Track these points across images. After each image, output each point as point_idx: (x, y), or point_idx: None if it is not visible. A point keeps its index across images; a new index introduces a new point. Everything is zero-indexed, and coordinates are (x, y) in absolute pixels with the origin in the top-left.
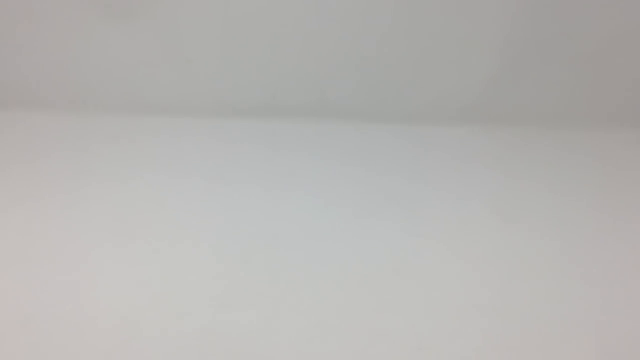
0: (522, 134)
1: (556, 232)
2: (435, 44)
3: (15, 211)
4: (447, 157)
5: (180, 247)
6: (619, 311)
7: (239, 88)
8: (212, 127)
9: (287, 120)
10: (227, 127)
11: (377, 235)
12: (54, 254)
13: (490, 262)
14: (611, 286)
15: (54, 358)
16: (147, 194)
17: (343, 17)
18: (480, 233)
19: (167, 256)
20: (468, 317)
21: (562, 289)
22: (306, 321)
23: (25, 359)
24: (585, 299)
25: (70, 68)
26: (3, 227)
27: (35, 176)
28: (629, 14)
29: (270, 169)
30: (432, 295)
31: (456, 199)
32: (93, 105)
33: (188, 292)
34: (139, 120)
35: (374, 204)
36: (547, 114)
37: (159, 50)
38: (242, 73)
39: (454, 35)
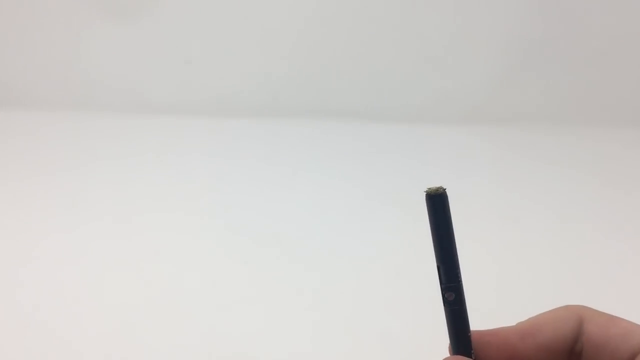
0: (524, 134)
1: (557, 232)
2: (435, 45)
3: (15, 210)
4: (448, 156)
5: (180, 247)
6: (619, 311)
7: (239, 87)
8: (213, 126)
9: (287, 120)
10: (228, 126)
11: (377, 235)
12: (54, 253)
13: (491, 262)
14: (611, 286)
15: (53, 358)
16: (147, 193)
17: (344, 17)
18: (481, 233)
19: (168, 256)
20: (482, 319)
21: (562, 289)
22: (306, 321)
23: (24, 358)
24: (585, 298)
25: (70, 67)
26: (2, 227)
27: (35, 175)
28: (630, 15)
29: (270, 168)
30: (433, 296)
31: (457, 198)
32: (93, 105)
33: (189, 292)
34: (139, 120)
35: (373, 204)
36: (548, 114)
37: (159, 50)
38: (243, 73)
39: (455, 35)
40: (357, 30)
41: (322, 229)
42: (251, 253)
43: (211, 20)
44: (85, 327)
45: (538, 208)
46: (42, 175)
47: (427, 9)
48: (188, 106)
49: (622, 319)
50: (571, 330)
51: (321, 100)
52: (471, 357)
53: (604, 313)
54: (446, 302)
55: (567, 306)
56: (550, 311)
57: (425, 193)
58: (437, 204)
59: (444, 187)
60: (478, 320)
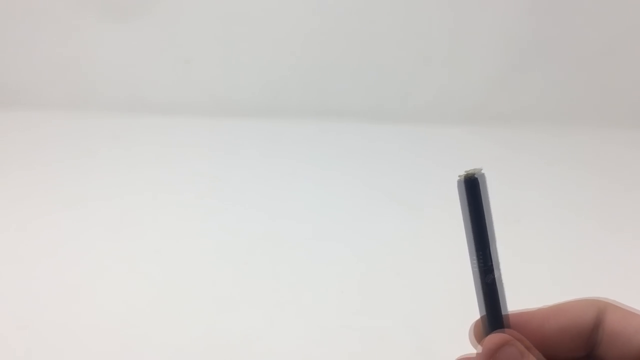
0: (523, 134)
1: (557, 232)
2: (435, 44)
3: (14, 210)
4: (448, 156)
5: (180, 247)
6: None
7: (239, 87)
8: (213, 126)
9: (287, 120)
10: (228, 126)
11: (377, 234)
12: (53, 253)
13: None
14: (611, 287)
15: (52, 358)
16: (147, 193)
17: (343, 17)
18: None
19: (167, 255)
20: (468, 319)
21: (562, 290)
22: (307, 321)
23: (23, 358)
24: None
25: (69, 67)
26: (2, 226)
27: (34, 174)
28: (630, 14)
29: (270, 168)
30: (433, 295)
31: (457, 198)
32: (93, 105)
33: (188, 292)
34: (139, 120)
35: (373, 203)
36: (548, 114)
37: (159, 49)
38: (243, 72)
39: (454, 35)
40: (356, 30)
41: (322, 228)
42: (251, 252)
43: (210, 20)
44: (84, 327)
45: (538, 207)
46: (40, 174)
47: (427, 9)
48: (188, 105)
49: None
50: (592, 318)
51: (320, 101)
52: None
53: (625, 307)
54: (485, 283)
55: (589, 297)
56: (573, 299)
57: (462, 177)
58: (474, 188)
59: (481, 169)
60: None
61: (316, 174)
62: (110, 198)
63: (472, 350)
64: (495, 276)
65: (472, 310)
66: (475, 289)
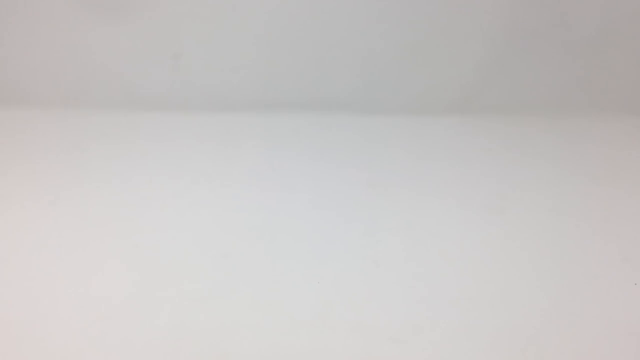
0: (517, 123)
1: (551, 222)
2: (427, 34)
3: (11, 209)
4: (440, 147)
5: (179, 245)
6: (618, 306)
7: (234, 82)
8: (208, 121)
9: (282, 114)
10: (223, 121)
11: (367, 227)
12: (53, 252)
13: (483, 255)
14: (595, 278)
15: (36, 354)
16: (140, 189)
17: (336, 10)
18: (475, 224)
19: (165, 254)
20: (465, 311)
21: (560, 283)
22: (305, 318)
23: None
24: (583, 292)
25: (63, 65)
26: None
27: (28, 172)
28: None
29: (266, 162)
30: (429, 289)
31: (451, 189)
32: (88, 102)
33: (187, 292)
34: (134, 116)
35: (363, 196)
36: (542, 103)
37: (153, 45)
38: (234, 67)
39: (446, 23)
40: (345, 21)
41: (315, 222)
42: (245, 246)
43: (202, 13)
44: (83, 326)
45: (532, 198)
46: (34, 172)
47: None
48: (183, 101)
49: None
50: None
51: (310, 93)
52: None
53: None
54: None
55: None
56: None
57: None
58: None
59: None
60: (476, 316)
61: (310, 167)
62: (103, 194)
63: (469, 346)
64: None
65: (470, 305)
66: None
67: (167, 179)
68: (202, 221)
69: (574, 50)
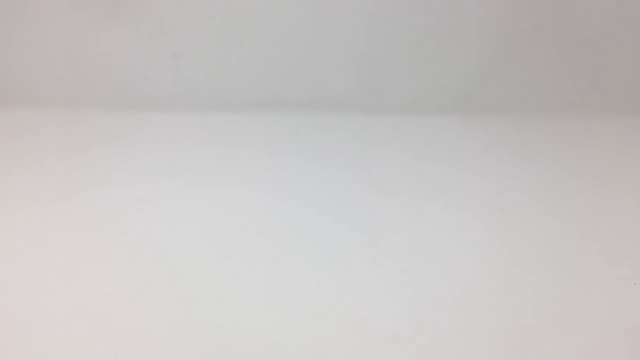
0: (516, 123)
1: (551, 222)
2: (427, 34)
3: (11, 209)
4: (439, 147)
5: (179, 245)
6: (618, 306)
7: (234, 82)
8: (208, 121)
9: (282, 114)
10: (223, 121)
11: (367, 226)
12: (52, 252)
13: (483, 254)
14: (595, 277)
15: (36, 354)
16: (139, 188)
17: (335, 10)
18: (475, 224)
19: (166, 253)
20: (463, 310)
21: (560, 282)
22: (304, 318)
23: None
24: (583, 292)
25: (63, 65)
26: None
27: (28, 172)
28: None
29: (266, 161)
30: (428, 288)
31: (450, 189)
32: (88, 102)
33: (187, 292)
34: (134, 117)
35: (363, 196)
36: (541, 103)
37: (153, 45)
38: (235, 67)
39: (446, 23)
40: (345, 21)
41: (313, 221)
42: (242, 246)
43: (202, 13)
44: (83, 326)
45: (531, 197)
46: (33, 173)
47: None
48: (184, 101)
49: None
50: None
51: (309, 93)
52: None
53: None
54: None
55: None
56: None
57: None
58: None
59: None
60: (475, 314)
61: (310, 166)
62: (103, 194)
63: (469, 344)
64: None
65: (469, 303)
66: None
67: (166, 178)
68: (202, 221)
69: (573, 51)
